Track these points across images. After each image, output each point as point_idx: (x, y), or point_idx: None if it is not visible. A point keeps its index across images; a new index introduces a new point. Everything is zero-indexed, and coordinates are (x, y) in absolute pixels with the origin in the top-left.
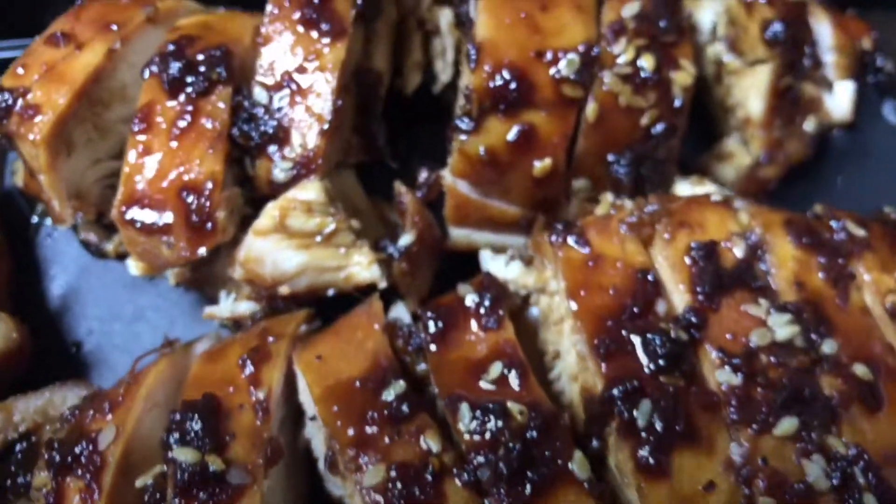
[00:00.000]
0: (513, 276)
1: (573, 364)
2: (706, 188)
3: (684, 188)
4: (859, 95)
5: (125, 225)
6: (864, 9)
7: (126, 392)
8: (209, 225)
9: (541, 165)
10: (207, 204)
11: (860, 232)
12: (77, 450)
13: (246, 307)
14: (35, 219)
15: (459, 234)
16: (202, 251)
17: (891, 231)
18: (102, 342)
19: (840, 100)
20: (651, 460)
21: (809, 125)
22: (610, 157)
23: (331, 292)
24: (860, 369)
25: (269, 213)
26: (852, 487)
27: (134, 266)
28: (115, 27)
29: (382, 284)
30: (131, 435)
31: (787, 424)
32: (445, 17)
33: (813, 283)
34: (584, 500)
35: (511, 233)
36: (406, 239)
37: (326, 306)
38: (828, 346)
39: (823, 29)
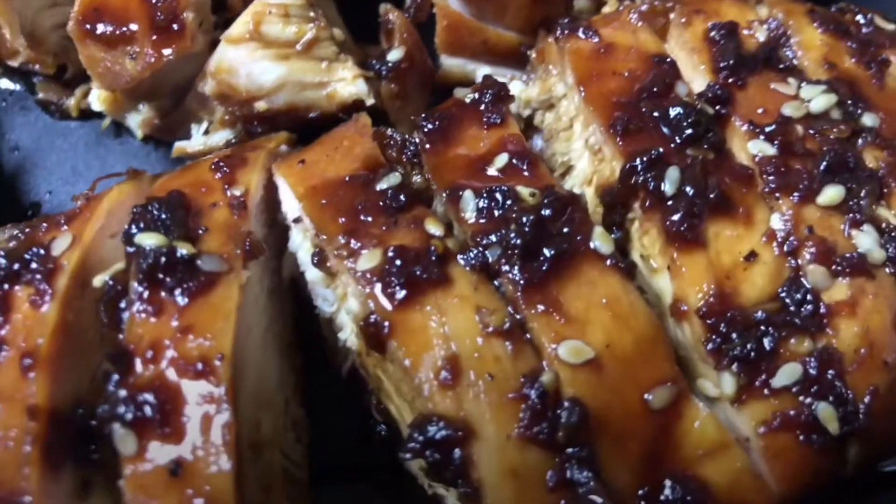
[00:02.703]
0: (515, 92)
1: (586, 168)
2: None
3: None
4: None
5: (84, 38)
6: None
7: (85, 206)
8: (175, 25)
9: None
10: (174, 4)
11: (890, 26)
12: (27, 256)
13: (220, 137)
14: None
15: (453, 64)
16: (168, 53)
17: None
18: (65, 202)
19: None
20: (683, 227)
21: None
22: None
23: (313, 114)
24: None
25: (243, 19)
26: None
27: (98, 99)
28: None
29: (370, 101)
30: (89, 249)
31: (832, 192)
32: None
33: (844, 64)
34: (608, 277)
35: (509, 66)
36: (395, 54)
37: (309, 138)
38: (868, 119)
39: None
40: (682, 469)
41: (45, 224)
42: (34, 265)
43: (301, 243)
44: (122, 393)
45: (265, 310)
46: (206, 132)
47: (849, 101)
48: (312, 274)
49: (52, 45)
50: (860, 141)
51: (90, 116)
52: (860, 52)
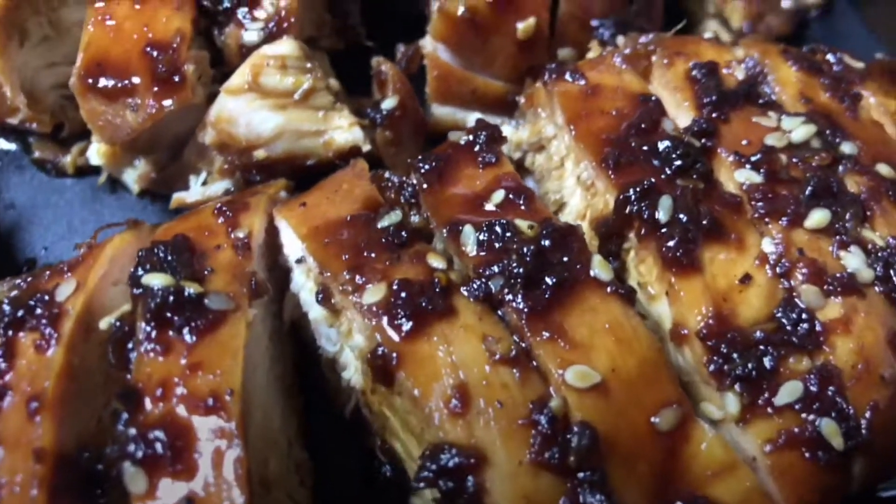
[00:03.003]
0: (507, 135)
1: (579, 203)
2: None
3: None
4: None
5: (86, 92)
6: None
7: (88, 253)
8: (176, 77)
9: (524, 26)
10: (175, 57)
11: (858, 64)
12: (31, 302)
13: (219, 187)
14: None
15: (443, 112)
16: (169, 104)
17: (888, 66)
18: (62, 257)
19: None
20: (679, 252)
21: (786, 1)
22: (594, 23)
23: (310, 162)
24: (884, 168)
25: (242, 70)
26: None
27: (97, 153)
28: None
29: (366, 148)
30: (93, 295)
31: (819, 216)
32: None
33: (820, 98)
34: (609, 303)
35: (497, 113)
36: (389, 103)
37: (306, 185)
38: (847, 147)
39: None
40: (692, 490)
41: (48, 272)
42: (39, 311)
43: (304, 283)
44: (132, 431)
45: (267, 351)
46: (205, 182)
47: (827, 132)
48: (316, 313)
49: (49, 104)
50: (841, 167)
51: (85, 173)
52: (833, 87)
